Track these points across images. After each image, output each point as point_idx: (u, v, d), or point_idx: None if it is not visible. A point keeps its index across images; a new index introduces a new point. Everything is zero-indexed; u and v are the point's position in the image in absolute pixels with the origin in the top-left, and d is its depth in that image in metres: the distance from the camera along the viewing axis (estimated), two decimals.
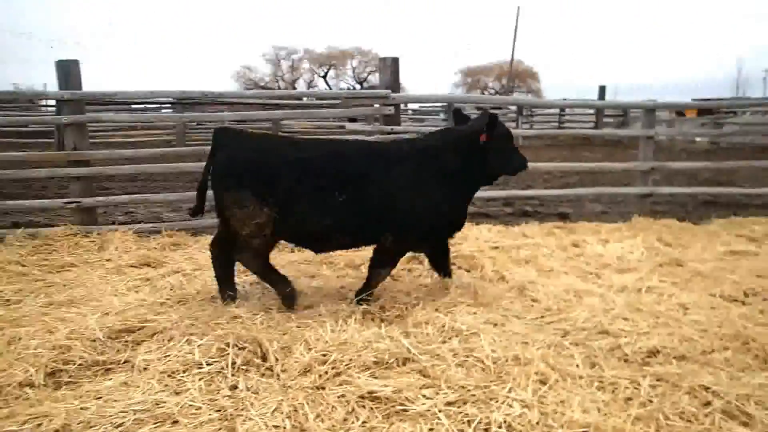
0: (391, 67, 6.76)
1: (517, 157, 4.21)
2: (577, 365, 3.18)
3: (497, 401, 2.69)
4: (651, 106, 7.60)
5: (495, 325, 3.65)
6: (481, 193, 7.63)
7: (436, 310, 3.81)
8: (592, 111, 22.69)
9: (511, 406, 2.64)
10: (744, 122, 19.48)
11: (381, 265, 4.08)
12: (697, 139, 19.66)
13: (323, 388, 2.85)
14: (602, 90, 22.36)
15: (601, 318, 3.71)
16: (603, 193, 8.55)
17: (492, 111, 4.78)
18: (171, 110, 19.81)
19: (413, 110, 27.92)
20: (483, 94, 54.83)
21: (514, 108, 20.70)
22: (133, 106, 19.90)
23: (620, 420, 2.56)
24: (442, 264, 4.42)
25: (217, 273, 4.11)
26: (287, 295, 3.95)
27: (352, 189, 3.82)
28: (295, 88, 49.50)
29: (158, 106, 20.98)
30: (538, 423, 2.53)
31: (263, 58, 54.15)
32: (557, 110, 24.05)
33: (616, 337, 3.46)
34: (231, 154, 3.85)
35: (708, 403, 2.73)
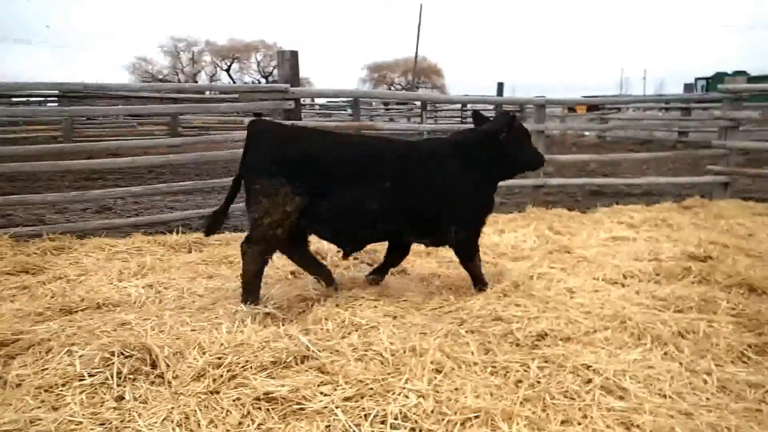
0: (290, 61, 6.65)
1: (535, 154, 4.49)
2: (472, 352, 3.28)
3: (394, 393, 2.72)
4: (542, 102, 8.02)
5: (395, 317, 3.69)
6: None
7: (337, 305, 3.79)
8: (492, 106, 23.62)
9: (407, 396, 2.68)
10: (626, 118, 21.11)
11: (470, 257, 4.29)
12: (586, 133, 21.04)
13: (217, 393, 2.75)
14: (500, 87, 23.34)
15: (495, 305, 3.86)
16: (500, 185, 8.91)
17: (510, 111, 4.98)
18: (57, 104, 18.38)
19: (321, 105, 27.80)
20: (390, 89, 55.45)
21: (418, 103, 21.12)
22: (14, 99, 18.30)
23: (509, 402, 2.67)
24: (394, 262, 4.51)
25: (297, 262, 4.24)
26: (244, 299, 3.85)
27: (397, 184, 3.89)
28: (196, 82, 47.59)
29: (43, 99, 19.44)
30: (432, 411, 2.59)
31: (161, 49, 51.66)
32: (459, 106, 24.80)
33: (509, 323, 3.60)
34: (266, 144, 3.83)
35: (589, 381, 2.91)
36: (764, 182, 10.46)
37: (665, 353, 3.21)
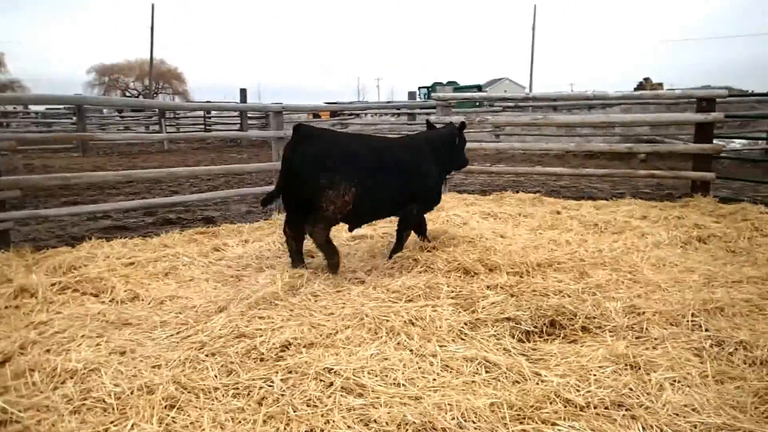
0: None
1: (465, 157, 5.83)
2: (215, 376, 3.08)
3: None
4: (278, 108, 8.06)
5: (122, 353, 3.27)
6: (117, 204, 6.94)
7: (47, 351, 3.21)
8: (236, 113, 23.22)
9: None
10: (365, 123, 22.71)
11: (408, 228, 5.27)
12: None
13: None
14: (243, 93, 23.08)
15: (237, 321, 3.69)
16: (248, 193, 8.73)
17: (461, 120, 6.30)
18: None
19: (37, 113, 23.92)
20: (125, 95, 50.82)
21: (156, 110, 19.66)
22: None
23: (250, 425, 2.54)
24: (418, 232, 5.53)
25: (292, 248, 4.96)
26: (334, 264, 4.78)
27: (401, 173, 4.91)
28: None
29: None
30: None
31: None
32: (203, 113, 23.84)
33: (252, 338, 3.47)
34: (323, 146, 4.61)
35: (331, 384, 2.94)
36: (475, 177, 12.23)
37: (398, 343, 3.42)
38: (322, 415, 2.68)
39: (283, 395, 2.86)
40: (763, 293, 4.15)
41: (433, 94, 9.68)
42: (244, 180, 12.18)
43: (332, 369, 3.07)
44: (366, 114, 25.32)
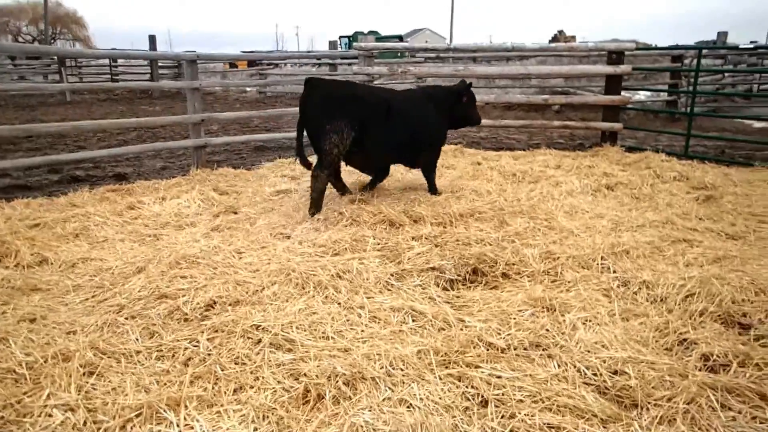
0: None
1: (477, 114, 6.04)
2: (136, 339, 2.98)
3: (33, 415, 2.25)
4: (192, 57, 7.62)
5: (32, 320, 3.09)
6: (17, 161, 6.40)
7: None
8: (145, 61, 21.80)
9: (50, 415, 2.25)
10: (284, 73, 22.01)
11: (433, 169, 5.82)
12: (248, 89, 21.27)
13: None
14: (152, 40, 21.63)
15: (158, 282, 3.56)
16: (162, 147, 8.30)
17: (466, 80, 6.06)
18: None
19: None
20: (17, 41, 46.33)
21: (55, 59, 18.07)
22: None
23: (176, 387, 2.49)
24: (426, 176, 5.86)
25: (335, 186, 5.59)
26: (313, 211, 5.07)
27: (405, 122, 5.27)
28: None
29: None
30: (85, 423, 2.23)
31: None
32: (108, 62, 22.20)
33: (175, 299, 3.37)
34: (328, 93, 4.98)
35: (259, 341, 2.92)
36: None
37: (326, 297, 3.44)
38: (251, 372, 2.67)
39: (210, 355, 2.82)
40: (663, 236, 4.49)
41: (354, 44, 9.49)
42: (158, 134, 11.56)
43: (260, 326, 3.05)
44: (286, 64, 24.52)
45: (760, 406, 2.43)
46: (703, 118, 12.52)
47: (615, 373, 2.64)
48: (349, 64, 17.80)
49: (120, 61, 23.50)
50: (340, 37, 34.53)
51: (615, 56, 8.54)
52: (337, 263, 3.86)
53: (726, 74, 15.54)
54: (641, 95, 15.08)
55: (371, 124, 5.04)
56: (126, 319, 3.17)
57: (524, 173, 6.89)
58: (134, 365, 2.72)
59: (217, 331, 3.03)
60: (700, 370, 2.70)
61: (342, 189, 5.65)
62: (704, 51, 12.28)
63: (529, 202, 5.40)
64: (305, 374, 2.61)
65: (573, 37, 37.46)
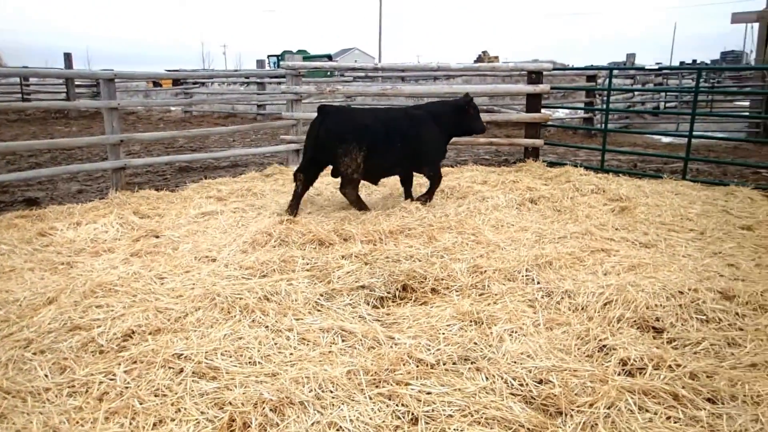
0: None
1: (481, 124, 6.53)
2: (46, 376, 2.77)
3: None
4: (110, 76, 7.31)
5: None
6: None
7: None
8: (60, 80, 20.76)
9: None
10: (211, 92, 21.56)
11: (437, 182, 6.27)
12: (172, 108, 20.66)
13: None
14: (68, 58, 20.63)
15: (70, 313, 3.34)
16: (78, 170, 7.88)
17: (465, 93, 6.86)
18: None
19: None
20: None
21: None
22: None
23: (89, 425, 2.33)
24: (407, 189, 6.42)
25: (297, 192, 5.80)
26: (363, 209, 5.77)
27: (404, 139, 5.83)
28: None
29: None
30: None
31: None
32: (19, 80, 20.95)
33: (89, 330, 3.18)
34: (341, 120, 5.69)
35: (181, 371, 2.79)
36: None
37: (253, 320, 3.34)
38: (172, 404, 2.54)
39: (127, 388, 2.66)
40: (583, 246, 4.68)
41: (282, 63, 9.43)
42: (75, 155, 10.98)
43: (182, 354, 2.92)
44: (212, 82, 24.04)
45: (674, 406, 2.55)
46: (616, 134, 13.28)
47: (540, 382, 2.70)
48: (279, 83, 17.65)
49: (32, 79, 22.24)
50: (269, 56, 34.28)
51: (534, 76, 8.93)
52: (264, 285, 3.77)
53: (635, 93, 16.59)
54: (561, 113, 15.84)
55: (374, 144, 5.68)
56: (34, 354, 2.95)
57: (452, 189, 7.02)
58: (42, 404, 2.53)
59: (135, 362, 2.87)
60: (618, 374, 2.80)
61: (294, 208, 5.75)
62: (615, 71, 13.05)
63: (457, 217, 5.50)
64: (230, 402, 2.51)
65: (496, 58, 38.97)
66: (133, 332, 3.18)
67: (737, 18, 14.73)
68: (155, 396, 2.60)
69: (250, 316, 3.38)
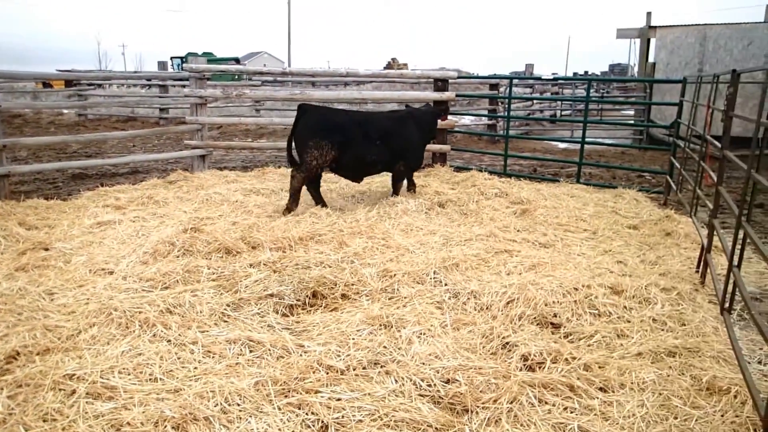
0: None
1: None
2: None
3: None
4: None
5: None
6: None
7: None
8: None
9: None
10: (109, 94, 20.33)
11: (402, 179, 6.86)
12: (65, 111, 19.30)
13: None
14: None
15: None
16: None
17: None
18: None
19: None
20: None
21: None
22: None
23: None
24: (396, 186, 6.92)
25: (312, 196, 6.40)
26: (287, 208, 6.08)
27: (383, 139, 6.41)
28: None
29: None
30: None
31: None
32: None
33: None
34: (315, 118, 6.24)
35: (73, 392, 2.60)
36: (236, 154, 11.91)
37: (154, 335, 3.18)
38: (63, 429, 2.36)
39: (11, 414, 2.45)
40: (487, 248, 4.86)
41: (185, 65, 9.07)
42: None
43: (74, 374, 2.73)
44: (110, 84, 22.71)
45: (570, 397, 2.70)
46: (518, 140, 13.95)
47: (447, 381, 2.77)
48: (183, 86, 16.97)
49: None
50: (172, 57, 32.98)
51: (441, 83, 9.19)
52: (167, 297, 3.60)
53: (534, 101, 17.53)
54: (466, 119, 16.40)
55: (348, 141, 6.20)
56: None
57: (363, 194, 7.08)
58: None
59: (20, 386, 2.65)
60: (520, 370, 2.94)
61: (319, 201, 6.42)
62: (515, 81, 13.72)
63: (367, 222, 5.53)
64: (128, 423, 2.37)
65: (405, 65, 39.74)
66: (18, 354, 2.93)
67: (621, 33, 15.96)
68: (44, 421, 2.41)
69: (150, 330, 3.22)
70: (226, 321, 3.44)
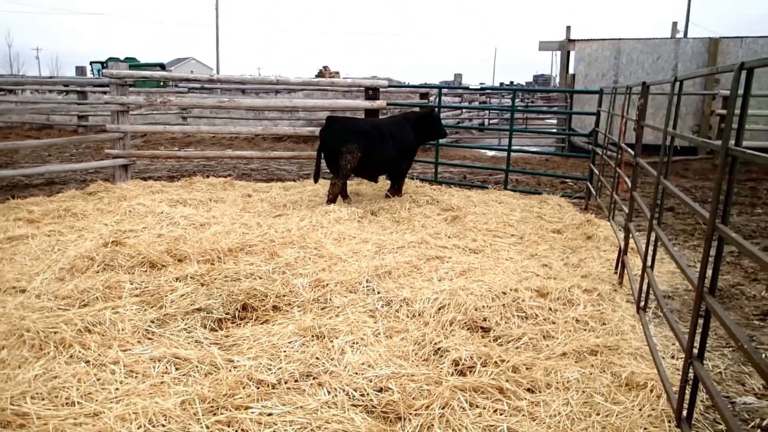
0: None
1: (443, 130, 7.99)
2: None
3: None
4: None
5: None
6: None
7: None
8: None
9: None
10: (21, 100, 19.12)
11: (403, 177, 7.66)
12: None
13: None
14: None
15: None
16: None
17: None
18: None
19: None
20: None
21: None
22: None
23: None
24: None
25: (335, 194, 6.94)
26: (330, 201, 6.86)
27: (395, 141, 7.23)
28: None
29: None
30: None
31: None
32: None
33: None
34: (345, 127, 7.01)
35: None
36: (162, 163, 11.49)
37: (71, 356, 3.00)
38: None
39: None
40: (419, 255, 4.92)
41: (104, 71, 8.67)
42: None
43: None
44: (24, 90, 21.39)
45: (500, 399, 2.77)
46: (448, 147, 14.25)
47: (380, 390, 2.77)
48: (104, 93, 16.22)
49: None
50: (92, 62, 31.52)
51: (371, 92, 9.25)
52: (85, 316, 3.41)
53: (463, 110, 17.98)
54: None
55: (370, 145, 6.88)
56: None
57: (294, 203, 7.00)
58: None
59: None
60: (452, 375, 2.98)
61: (345, 196, 7.25)
62: (444, 90, 14.04)
63: (299, 231, 5.47)
64: None
65: (337, 73, 39.75)
66: None
67: (543, 46, 16.68)
68: None
69: (67, 351, 3.03)
70: (150, 338, 3.29)
